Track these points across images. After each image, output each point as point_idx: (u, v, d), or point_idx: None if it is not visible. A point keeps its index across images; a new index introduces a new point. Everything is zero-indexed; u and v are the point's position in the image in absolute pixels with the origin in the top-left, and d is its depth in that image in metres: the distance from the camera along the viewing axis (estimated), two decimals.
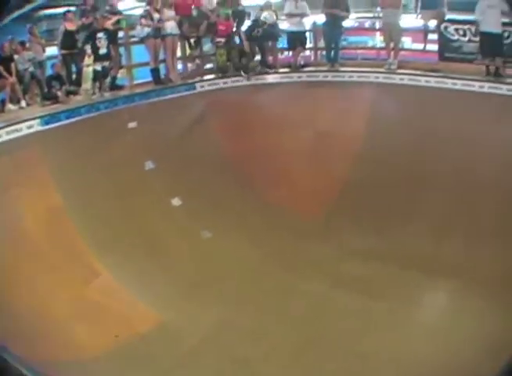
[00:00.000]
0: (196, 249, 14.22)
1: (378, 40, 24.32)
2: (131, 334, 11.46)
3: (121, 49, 18.31)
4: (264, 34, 20.05)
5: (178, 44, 19.38)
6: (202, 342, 11.56)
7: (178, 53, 19.65)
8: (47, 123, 14.69)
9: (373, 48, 24.55)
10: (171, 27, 18.23)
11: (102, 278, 12.71)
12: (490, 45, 18.03)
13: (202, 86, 18.87)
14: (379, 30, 22.57)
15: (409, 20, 21.40)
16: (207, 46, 21.29)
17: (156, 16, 17.81)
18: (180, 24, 18.92)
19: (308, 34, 21.79)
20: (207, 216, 14.98)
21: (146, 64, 18.36)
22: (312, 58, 22.68)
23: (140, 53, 18.60)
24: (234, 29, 20.21)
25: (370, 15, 27.08)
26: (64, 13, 17.24)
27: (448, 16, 19.72)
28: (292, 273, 13.61)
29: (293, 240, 14.77)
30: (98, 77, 16.66)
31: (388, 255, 14.10)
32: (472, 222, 14.59)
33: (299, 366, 10.95)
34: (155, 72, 18.24)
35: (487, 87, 17.67)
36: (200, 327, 11.95)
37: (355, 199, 15.91)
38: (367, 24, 28.39)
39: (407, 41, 24.70)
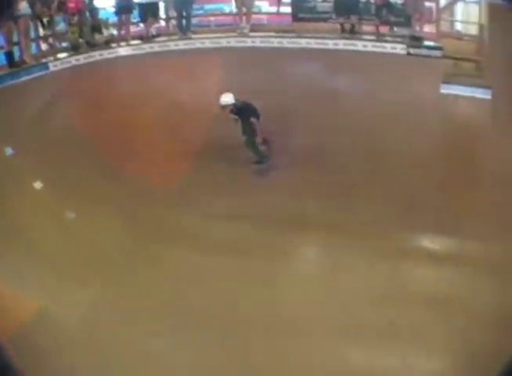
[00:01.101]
0: (63, 231, 13.97)
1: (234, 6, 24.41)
2: (13, 325, 11.27)
3: None
4: None
5: (31, 24, 18.91)
6: (82, 325, 11.46)
7: (32, 34, 19.17)
8: None
9: (226, 14, 24.64)
10: (22, 7, 17.74)
11: None
12: (345, 3, 18.50)
13: (55, 65, 18.43)
14: None
15: None
16: (60, 25, 20.97)
17: None
18: (32, 4, 18.44)
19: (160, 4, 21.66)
20: (70, 196, 14.71)
21: (0, 48, 17.84)
22: (166, 28, 22.40)
23: None
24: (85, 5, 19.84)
25: None
26: None
27: None
28: (161, 244, 13.48)
29: (158, 210, 14.62)
30: None
31: (252, 215, 14.29)
32: (332, 178, 15.04)
33: (176, 338, 11.04)
34: (9, 55, 17.69)
35: (342, 44, 18.09)
36: (78, 310, 11.78)
37: (212, 164, 16.07)
38: None
39: (264, 5, 24.92)
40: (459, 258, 12.75)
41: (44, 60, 18.73)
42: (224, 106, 16.35)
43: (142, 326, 11.29)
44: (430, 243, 13.50)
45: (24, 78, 17.33)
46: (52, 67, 18.36)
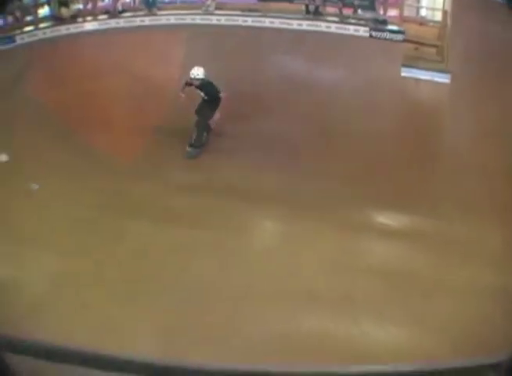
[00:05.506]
0: (26, 202, 14.07)
1: None
2: None
3: None
4: None
5: None
6: (45, 293, 11.52)
7: None
8: None
9: None
10: None
11: None
12: None
13: (22, 38, 18.58)
14: None
15: None
16: None
17: None
18: None
19: None
20: (35, 169, 14.74)
21: None
22: (132, 4, 22.31)
23: None
24: None
25: None
26: None
27: None
28: (123, 215, 13.58)
29: (120, 183, 14.61)
30: None
31: (210, 188, 14.44)
32: (286, 154, 15.34)
33: (138, 304, 11.22)
34: None
35: (305, 25, 18.35)
36: (40, 279, 11.88)
37: (173, 137, 16.05)
38: None
39: None
40: (412, 233, 13.12)
41: (10, 33, 18.75)
42: (192, 80, 15.99)
43: (101, 292, 11.44)
44: (384, 218, 13.86)
45: None
46: (18, 40, 18.47)
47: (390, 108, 16.40)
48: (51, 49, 18.24)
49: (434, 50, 18.75)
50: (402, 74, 17.21)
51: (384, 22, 18.56)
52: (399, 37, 18.10)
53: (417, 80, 17.31)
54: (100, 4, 21.61)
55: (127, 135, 16.20)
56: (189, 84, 16.11)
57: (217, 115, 15.96)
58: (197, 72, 15.94)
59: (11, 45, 18.15)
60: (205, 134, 16.16)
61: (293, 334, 10.38)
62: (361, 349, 9.76)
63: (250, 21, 18.89)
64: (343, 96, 16.72)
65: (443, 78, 17.18)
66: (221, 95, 15.90)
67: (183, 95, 16.06)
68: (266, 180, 14.62)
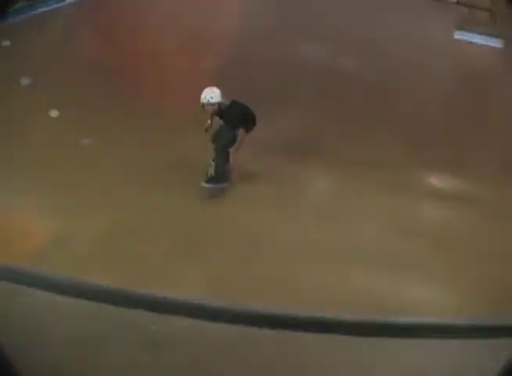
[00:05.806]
0: (78, 157, 14.05)
1: None
2: (26, 248, 11.38)
3: None
4: None
5: None
6: (99, 244, 11.58)
7: None
8: None
9: None
10: None
11: None
12: None
13: None
14: None
15: None
16: None
17: None
18: None
19: None
20: (87, 124, 14.75)
21: None
22: None
23: None
24: None
25: None
26: None
27: None
28: (177, 171, 13.53)
29: (174, 139, 14.44)
30: None
31: (267, 144, 14.31)
32: (344, 114, 15.30)
33: (192, 257, 11.27)
34: None
35: None
36: (93, 230, 11.90)
37: (229, 91, 15.87)
38: None
39: None
40: (462, 197, 13.23)
41: None
42: (206, 105, 13.13)
43: (159, 245, 11.49)
44: (436, 180, 13.88)
45: (41, 10, 17.43)
46: None
47: (442, 70, 16.29)
48: (101, 7, 18.32)
49: (487, 14, 18.56)
50: (455, 37, 17.11)
51: None
52: None
53: (470, 43, 17.21)
54: None
55: (181, 91, 16.11)
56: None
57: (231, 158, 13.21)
58: (210, 95, 13.02)
59: (61, 4, 18.18)
60: (226, 163, 13.34)
61: (340, 289, 10.42)
62: (407, 307, 9.86)
63: None
64: (394, 57, 16.65)
65: (496, 43, 17.11)
66: (238, 133, 13.08)
67: (209, 122, 13.60)
68: (320, 137, 14.63)
